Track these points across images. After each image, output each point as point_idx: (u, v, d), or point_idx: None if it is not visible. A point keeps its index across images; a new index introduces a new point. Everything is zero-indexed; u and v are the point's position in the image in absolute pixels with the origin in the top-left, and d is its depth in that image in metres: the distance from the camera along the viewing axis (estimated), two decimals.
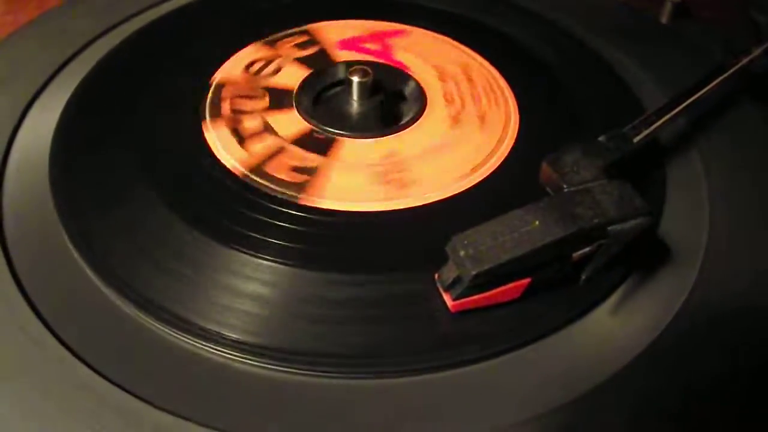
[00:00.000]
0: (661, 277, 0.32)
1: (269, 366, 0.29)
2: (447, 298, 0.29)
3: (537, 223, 0.29)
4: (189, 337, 0.29)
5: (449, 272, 0.29)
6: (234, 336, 0.29)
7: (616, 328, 0.31)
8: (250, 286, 0.31)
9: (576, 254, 0.30)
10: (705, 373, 0.29)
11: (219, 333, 0.29)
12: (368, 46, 0.44)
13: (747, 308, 0.32)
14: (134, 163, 0.36)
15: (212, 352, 0.29)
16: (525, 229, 0.29)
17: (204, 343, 0.29)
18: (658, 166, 0.37)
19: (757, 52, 0.41)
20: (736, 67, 0.40)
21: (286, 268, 0.31)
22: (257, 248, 0.32)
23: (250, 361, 0.29)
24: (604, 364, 0.29)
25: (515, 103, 0.40)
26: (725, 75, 0.39)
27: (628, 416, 0.28)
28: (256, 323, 0.30)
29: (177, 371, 0.29)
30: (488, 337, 0.29)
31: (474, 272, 0.28)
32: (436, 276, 0.30)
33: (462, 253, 0.28)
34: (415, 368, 0.29)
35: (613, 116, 0.40)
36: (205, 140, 0.37)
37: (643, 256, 0.32)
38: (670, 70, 0.44)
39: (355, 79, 0.38)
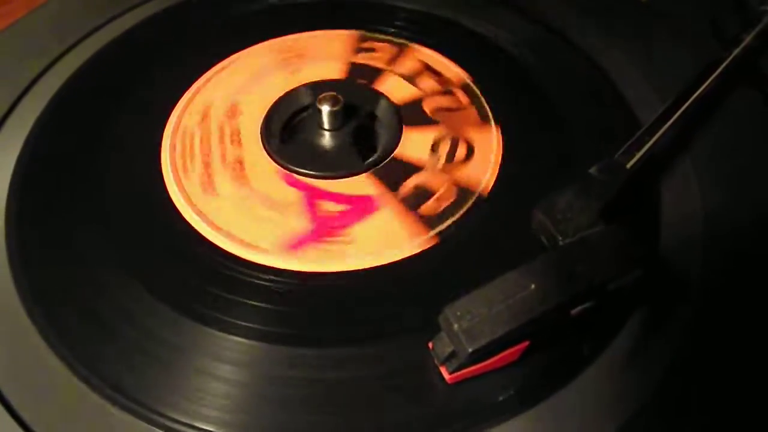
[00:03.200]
0: (661, 314, 0.31)
1: None
2: (443, 371, 0.28)
3: (533, 287, 0.27)
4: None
5: (444, 346, 0.27)
6: (208, 428, 0.27)
7: (619, 376, 0.29)
8: (223, 368, 0.29)
9: (574, 311, 0.28)
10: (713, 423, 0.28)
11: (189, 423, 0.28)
12: None
13: (753, 335, 0.30)
14: (107, 249, 0.33)
15: None
16: (521, 295, 0.27)
17: None
18: (650, 182, 0.35)
19: (748, 39, 0.39)
20: (728, 60, 0.38)
21: (264, 345, 0.29)
22: (227, 326, 0.30)
23: None
24: (610, 415, 0.28)
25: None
26: (716, 73, 0.37)
27: None
28: (230, 409, 0.28)
29: None
30: (489, 405, 0.28)
31: (470, 350, 0.26)
32: (430, 346, 0.28)
33: (456, 326, 0.27)
34: None
35: (597, 118, 0.38)
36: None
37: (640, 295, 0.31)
38: (654, 55, 0.42)
39: (325, 108, 0.35)
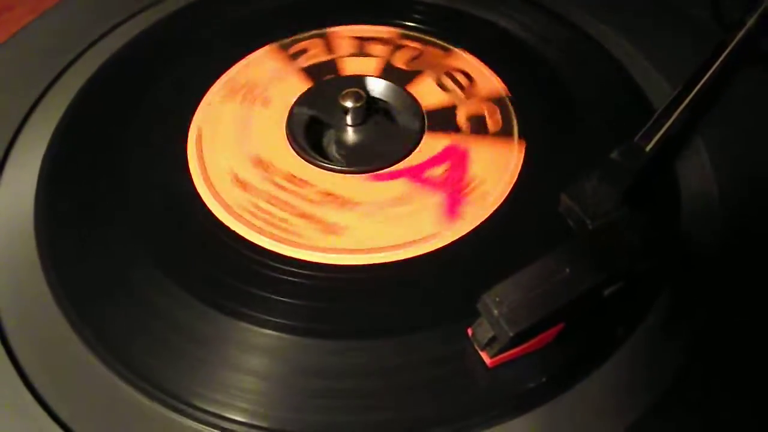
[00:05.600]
0: (685, 295, 0.32)
1: None
2: (484, 356, 0.29)
3: (568, 270, 0.28)
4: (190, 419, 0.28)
5: (484, 332, 0.28)
6: (241, 419, 0.28)
7: (648, 356, 0.30)
8: (254, 359, 0.30)
9: (607, 291, 0.29)
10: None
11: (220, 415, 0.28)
12: None
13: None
14: (135, 243, 0.34)
15: None
16: (557, 279, 0.28)
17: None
18: (667, 164, 0.36)
19: (751, 21, 0.40)
20: (734, 43, 0.39)
21: (297, 338, 0.30)
22: (260, 317, 0.30)
23: None
24: (643, 393, 0.29)
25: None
26: (723, 56, 0.38)
27: None
28: (263, 401, 0.29)
29: None
30: (530, 388, 0.29)
31: (512, 334, 0.27)
32: (470, 332, 0.29)
33: (495, 312, 0.28)
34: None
35: (612, 105, 0.39)
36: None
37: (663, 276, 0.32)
38: (660, 42, 0.43)
39: (349, 104, 0.36)
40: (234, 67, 0.41)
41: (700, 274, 0.32)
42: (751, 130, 0.38)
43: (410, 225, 0.33)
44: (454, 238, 0.33)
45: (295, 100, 0.38)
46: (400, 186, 0.35)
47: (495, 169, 0.35)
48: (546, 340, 0.29)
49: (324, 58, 0.41)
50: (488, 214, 0.34)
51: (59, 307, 0.32)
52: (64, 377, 0.30)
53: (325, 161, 0.36)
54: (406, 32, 0.43)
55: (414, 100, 0.38)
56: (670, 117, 0.34)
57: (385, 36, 0.42)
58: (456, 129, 0.37)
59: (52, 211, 0.35)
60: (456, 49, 0.41)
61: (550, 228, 0.32)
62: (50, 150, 0.37)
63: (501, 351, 0.28)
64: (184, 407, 0.28)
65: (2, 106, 0.40)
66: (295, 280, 0.32)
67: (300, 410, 0.28)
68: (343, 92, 0.36)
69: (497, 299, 0.28)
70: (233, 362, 0.29)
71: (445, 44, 0.42)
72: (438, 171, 0.35)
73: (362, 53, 0.41)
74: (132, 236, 0.34)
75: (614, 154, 0.32)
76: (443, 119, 0.38)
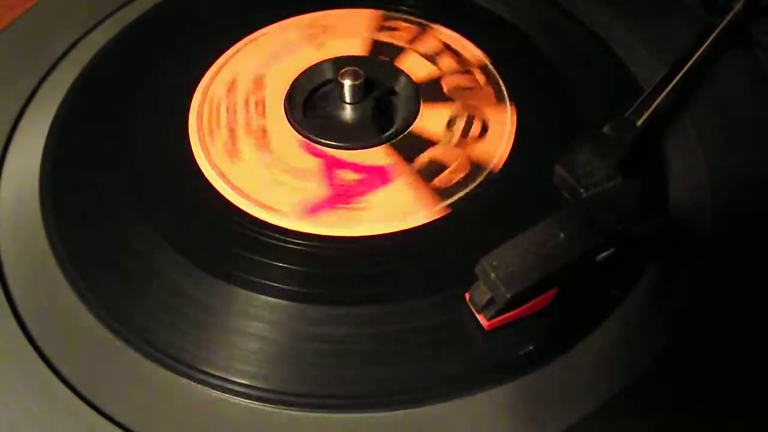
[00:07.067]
0: (673, 266, 0.32)
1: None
2: (481, 318, 0.30)
3: (562, 235, 0.29)
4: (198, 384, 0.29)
5: (482, 294, 0.29)
6: (244, 381, 0.29)
7: (640, 322, 0.31)
8: (257, 325, 0.30)
9: (599, 256, 0.30)
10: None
11: (227, 378, 0.29)
12: None
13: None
14: (137, 211, 0.35)
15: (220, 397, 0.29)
16: (551, 244, 0.29)
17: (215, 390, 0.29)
18: (655, 139, 0.37)
19: (738, 6, 0.41)
20: (723, 25, 0.40)
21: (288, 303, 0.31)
22: (258, 285, 0.31)
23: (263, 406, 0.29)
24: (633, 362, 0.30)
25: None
26: (712, 37, 0.39)
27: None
28: (267, 365, 0.29)
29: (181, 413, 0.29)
30: (523, 353, 0.30)
31: (509, 295, 0.28)
32: (467, 297, 0.30)
33: (492, 275, 0.28)
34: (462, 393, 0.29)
35: (607, 96, 0.40)
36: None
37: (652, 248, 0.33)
38: (653, 28, 0.44)
39: (347, 82, 0.36)
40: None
41: (686, 246, 0.33)
42: (738, 110, 0.39)
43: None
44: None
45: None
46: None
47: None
48: (541, 305, 0.30)
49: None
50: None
51: (63, 272, 0.32)
52: (68, 339, 0.31)
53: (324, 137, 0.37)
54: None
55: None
56: (659, 95, 0.35)
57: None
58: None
59: (57, 178, 0.36)
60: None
61: (545, 197, 0.33)
62: (56, 121, 0.38)
63: (498, 313, 0.29)
64: (186, 369, 0.29)
65: (13, 78, 0.41)
66: (297, 249, 0.33)
67: (293, 370, 0.29)
68: (342, 71, 0.37)
69: (495, 263, 0.29)
70: (235, 327, 0.30)
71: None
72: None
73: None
74: (133, 205, 0.34)
75: (606, 128, 0.33)
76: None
